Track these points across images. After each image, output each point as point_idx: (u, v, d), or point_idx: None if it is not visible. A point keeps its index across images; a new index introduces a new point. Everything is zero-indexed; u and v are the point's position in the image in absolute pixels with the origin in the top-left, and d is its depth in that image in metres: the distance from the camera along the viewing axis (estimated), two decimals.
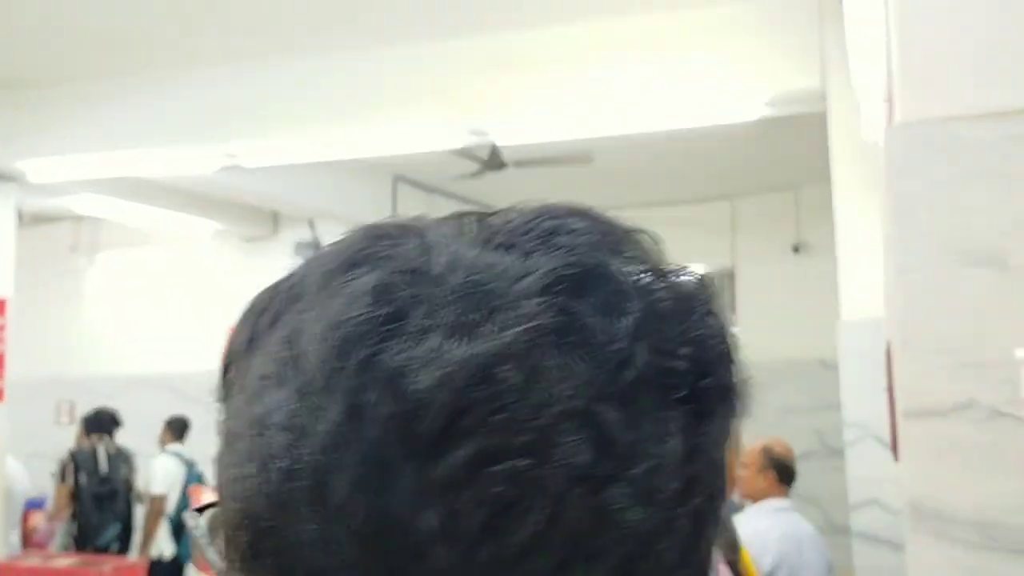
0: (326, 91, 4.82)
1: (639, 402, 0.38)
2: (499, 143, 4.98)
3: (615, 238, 0.42)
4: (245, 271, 8.07)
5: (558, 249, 0.39)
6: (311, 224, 7.43)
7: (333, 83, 4.81)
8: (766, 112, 4.32)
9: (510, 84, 4.56)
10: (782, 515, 3.55)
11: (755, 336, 7.61)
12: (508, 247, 0.40)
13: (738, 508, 3.73)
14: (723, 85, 4.24)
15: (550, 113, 4.54)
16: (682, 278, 0.42)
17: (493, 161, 5.11)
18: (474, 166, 5.40)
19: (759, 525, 3.39)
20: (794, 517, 3.58)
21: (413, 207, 7.46)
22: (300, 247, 7.40)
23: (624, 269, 0.40)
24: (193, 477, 5.91)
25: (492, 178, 5.83)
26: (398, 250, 0.40)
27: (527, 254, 0.39)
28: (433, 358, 0.36)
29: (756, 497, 3.63)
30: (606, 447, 0.36)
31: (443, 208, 5.62)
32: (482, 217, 0.44)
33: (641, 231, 0.44)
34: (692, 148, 6.23)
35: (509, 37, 4.50)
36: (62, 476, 5.83)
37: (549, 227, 0.41)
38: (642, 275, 0.40)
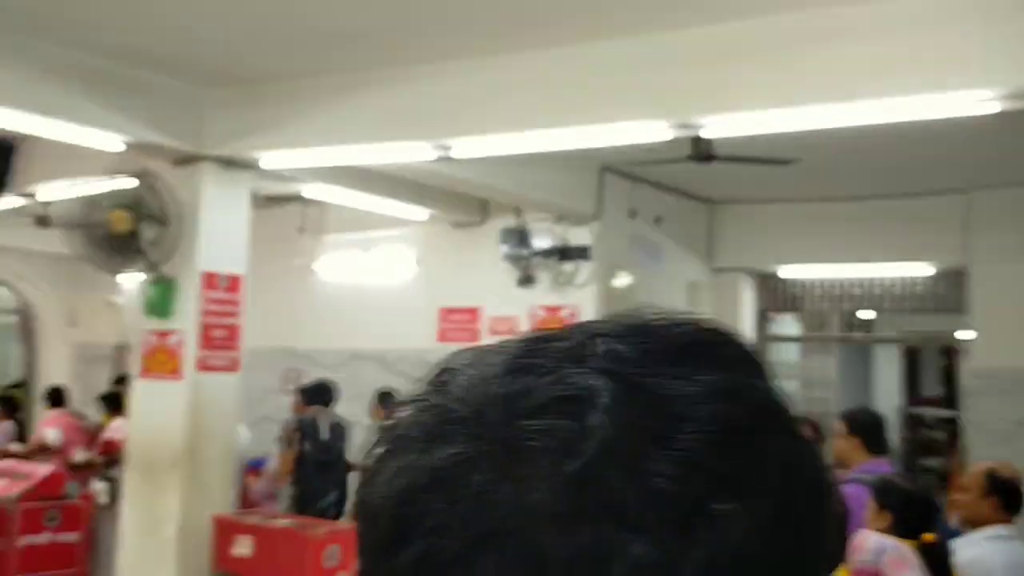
0: (537, 86, 4.90)
1: (586, 523, 0.40)
2: (708, 136, 4.86)
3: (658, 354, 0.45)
4: (454, 255, 8.39)
5: (582, 369, 0.44)
6: (517, 212, 7.59)
7: (544, 78, 4.89)
8: (1005, 105, 3.95)
9: (722, 76, 4.44)
10: (1005, 543, 3.27)
11: (991, 341, 7.02)
12: (539, 370, 0.45)
13: (956, 532, 3.47)
14: (955, 76, 3.91)
15: (763, 105, 4.38)
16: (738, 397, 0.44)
17: (701, 152, 5.00)
18: (681, 157, 5.31)
19: (981, 551, 3.15)
20: (1018, 546, 3.29)
21: (619, 196, 7.45)
22: (506, 233, 7.58)
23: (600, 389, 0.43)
24: None
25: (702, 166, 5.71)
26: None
27: (545, 374, 0.44)
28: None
29: (977, 523, 3.37)
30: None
31: (648, 197, 5.64)
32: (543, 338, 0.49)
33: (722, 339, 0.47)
34: (918, 139, 5.81)
35: (722, 28, 4.38)
36: (288, 442, 6.32)
37: (591, 350, 0.45)
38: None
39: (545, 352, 0.46)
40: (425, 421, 0.46)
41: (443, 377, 0.48)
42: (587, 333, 0.47)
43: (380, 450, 0.48)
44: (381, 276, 8.83)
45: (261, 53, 5.35)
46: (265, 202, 8.52)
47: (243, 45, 5.24)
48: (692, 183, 7.78)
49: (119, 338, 11.13)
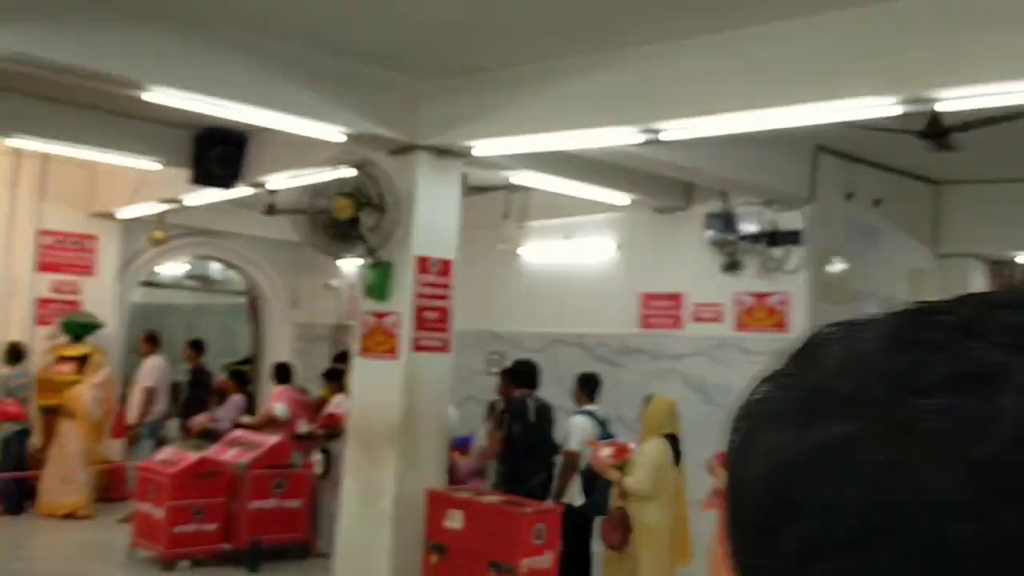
0: (751, 65, 4.74)
1: (1000, 513, 0.37)
2: (942, 110, 4.51)
3: None
4: (657, 240, 8.29)
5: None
6: (724, 196, 7.39)
7: (758, 56, 4.71)
8: None
9: (960, 43, 4.10)
10: None
11: None
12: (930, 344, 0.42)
13: None
14: None
15: (1009, 75, 4.00)
16: None
17: (936, 130, 4.65)
18: (911, 132, 4.96)
19: None
20: None
21: (834, 177, 7.08)
22: (711, 218, 7.40)
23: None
24: (605, 436, 6.24)
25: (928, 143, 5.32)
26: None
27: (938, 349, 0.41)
28: None
29: None
30: None
31: (867, 178, 5.30)
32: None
33: None
34: None
35: None
36: (498, 423, 6.49)
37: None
38: None
39: (932, 325, 0.43)
40: (797, 397, 0.44)
41: (809, 352, 0.46)
42: (980, 304, 0.43)
43: (747, 426, 0.46)
44: (582, 261, 8.87)
45: (474, 44, 5.49)
46: (470, 190, 8.78)
47: (457, 37, 5.39)
48: (916, 162, 7.26)
49: (336, 319, 11.86)
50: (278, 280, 12.31)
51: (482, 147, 6.14)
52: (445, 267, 6.36)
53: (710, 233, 7.39)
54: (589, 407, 6.41)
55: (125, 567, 7.27)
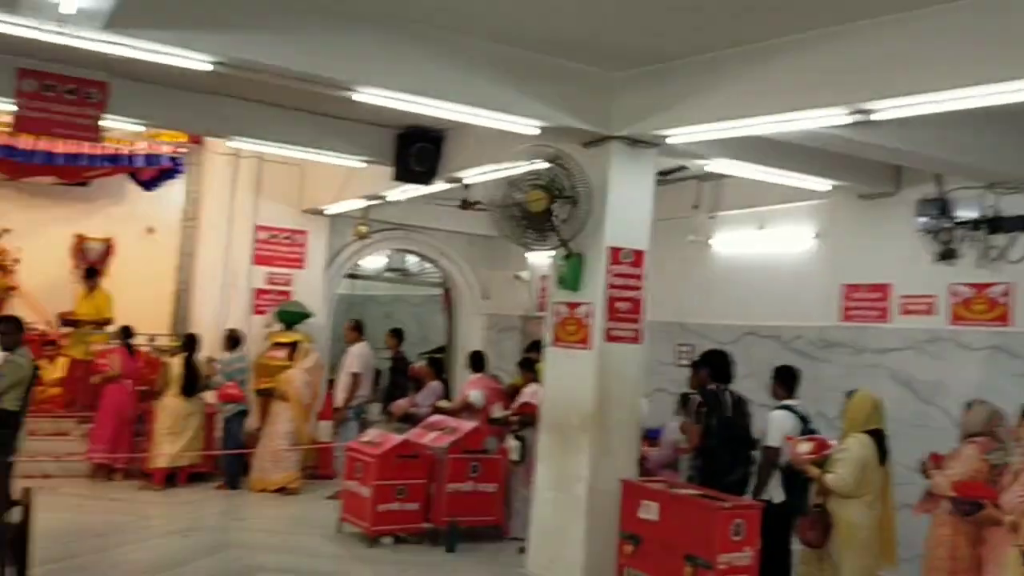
0: (973, 36, 4.41)
1: None
2: None
3: None
4: (860, 228, 7.89)
5: None
6: (938, 179, 6.93)
7: (982, 26, 4.37)
8: None
9: None
10: None
11: None
12: None
13: None
14: None
15: None
16: None
17: None
18: None
19: None
20: None
21: None
22: (924, 204, 6.96)
23: None
24: (807, 431, 6.01)
25: None
26: None
27: None
28: None
29: None
30: None
31: None
32: None
33: None
34: None
35: None
36: (696, 416, 6.40)
37: None
38: None
39: None
40: None
41: None
42: None
43: None
44: (777, 251, 8.58)
45: (668, 32, 5.42)
46: (660, 180, 8.69)
47: (649, 25, 5.34)
48: None
49: (525, 309, 12.09)
50: (470, 272, 12.70)
51: (676, 136, 6.06)
52: (637, 257, 6.34)
53: (922, 220, 6.95)
54: (788, 402, 6.19)
55: (334, 540, 7.73)
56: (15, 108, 6.93)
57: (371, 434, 8.27)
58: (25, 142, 10.86)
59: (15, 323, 6.75)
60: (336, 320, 11.90)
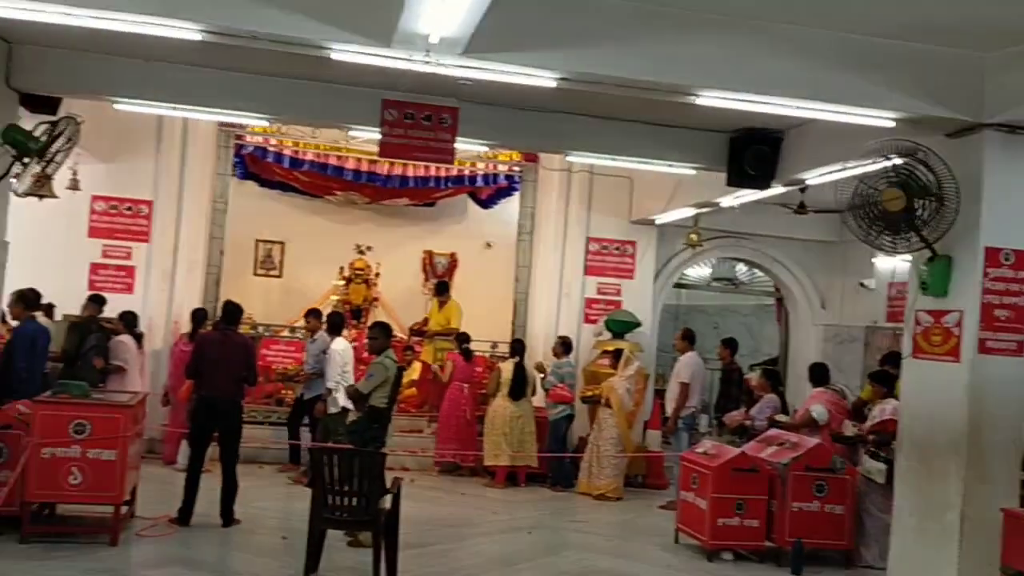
0: None
1: None
2: None
3: None
4: None
5: None
6: None
7: None
8: None
9: None
10: None
11: None
12: None
13: None
14: None
15: None
16: None
17: None
18: None
19: None
20: None
21: None
22: None
23: None
24: None
25: None
26: None
27: None
28: None
29: None
30: None
31: None
32: None
33: None
34: None
35: None
36: None
37: None
38: None
39: None
40: None
41: None
42: None
43: None
44: None
45: None
46: None
47: None
48: None
49: (871, 319, 11.26)
50: (806, 280, 12.07)
51: None
52: (1020, 259, 5.60)
53: None
54: None
55: (672, 551, 7.65)
56: (379, 136, 7.66)
57: (707, 445, 8.10)
58: (381, 167, 12.11)
59: (384, 329, 7.46)
60: (662, 330, 11.87)
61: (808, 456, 7.39)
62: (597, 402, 9.98)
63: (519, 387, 9.97)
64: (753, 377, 9.41)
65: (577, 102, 7.53)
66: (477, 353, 10.84)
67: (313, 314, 9.90)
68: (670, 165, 8.62)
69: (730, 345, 10.22)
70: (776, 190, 8.44)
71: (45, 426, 6.35)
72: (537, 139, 8.52)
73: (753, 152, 8.00)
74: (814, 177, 7.77)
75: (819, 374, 8.48)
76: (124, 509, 6.73)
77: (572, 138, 8.29)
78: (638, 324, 10.85)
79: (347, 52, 5.41)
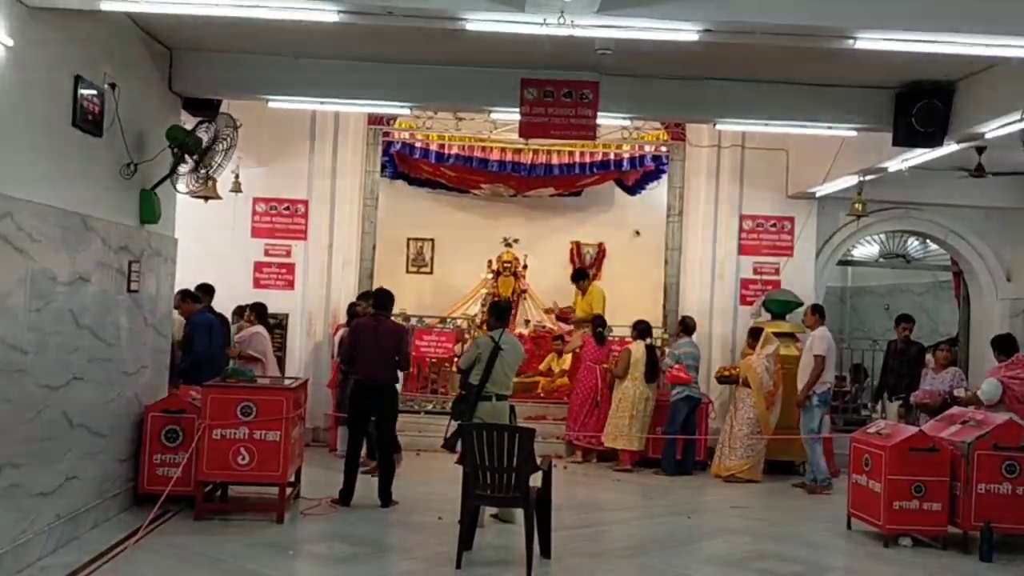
0: None
1: None
2: None
3: None
4: None
5: None
6: None
7: None
8: None
9: None
10: None
11: None
12: None
13: None
14: None
15: None
16: None
17: None
18: None
19: None
20: None
21: None
22: None
23: None
24: None
25: None
26: None
27: None
28: None
29: None
30: None
31: None
32: None
33: None
34: None
35: None
36: None
37: None
38: None
39: None
40: None
41: None
42: None
43: None
44: None
45: None
46: None
47: None
48: None
49: None
50: (987, 251, 11.09)
51: None
52: None
53: None
54: None
55: (844, 536, 7.17)
56: (518, 116, 7.57)
57: (879, 424, 7.55)
58: (526, 156, 12.06)
59: (496, 309, 7.29)
60: (828, 313, 11.19)
61: (996, 434, 6.74)
62: (734, 382, 9.65)
63: (652, 369, 9.71)
64: (939, 351, 8.73)
65: (722, 65, 7.15)
66: (626, 338, 10.54)
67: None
68: (829, 127, 8.01)
69: (907, 319, 9.67)
70: (949, 147, 7.74)
71: (215, 409, 6.69)
72: (682, 109, 8.18)
73: (922, 107, 7.35)
74: (994, 129, 7.06)
75: (1006, 344, 7.73)
76: (289, 490, 6.93)
77: (720, 105, 7.88)
78: (800, 304, 10.29)
79: (481, 21, 5.33)
